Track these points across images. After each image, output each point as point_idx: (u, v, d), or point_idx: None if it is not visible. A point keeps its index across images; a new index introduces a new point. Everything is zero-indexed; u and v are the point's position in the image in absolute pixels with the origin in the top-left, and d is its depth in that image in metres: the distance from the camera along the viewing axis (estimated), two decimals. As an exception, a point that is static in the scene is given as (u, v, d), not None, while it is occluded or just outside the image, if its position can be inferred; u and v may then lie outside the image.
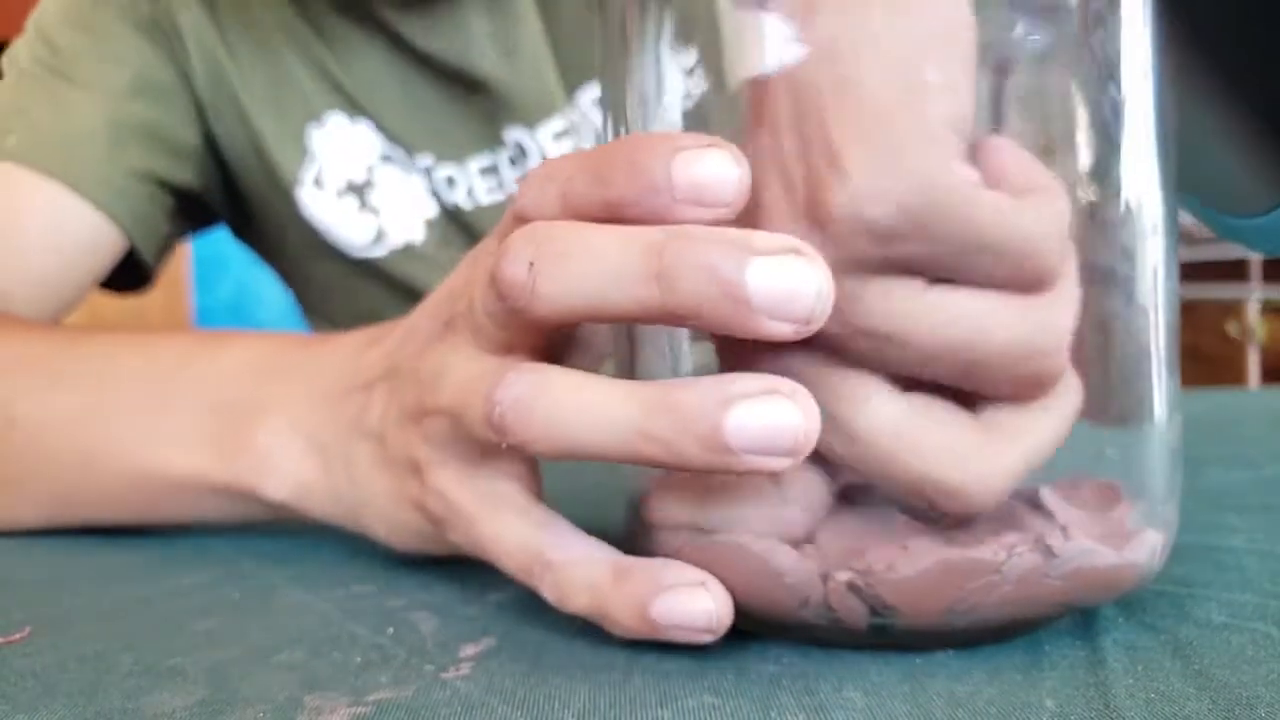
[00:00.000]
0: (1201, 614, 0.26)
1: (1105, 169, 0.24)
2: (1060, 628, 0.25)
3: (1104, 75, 0.24)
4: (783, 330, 0.21)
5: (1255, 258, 2.50)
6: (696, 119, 0.25)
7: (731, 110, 0.25)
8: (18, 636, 0.27)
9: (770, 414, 0.21)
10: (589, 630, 0.26)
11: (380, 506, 0.31)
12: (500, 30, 0.60)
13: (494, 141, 0.62)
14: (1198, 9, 0.22)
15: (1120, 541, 0.24)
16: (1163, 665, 0.23)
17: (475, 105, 0.61)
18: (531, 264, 0.23)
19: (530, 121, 0.61)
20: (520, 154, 0.62)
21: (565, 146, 0.61)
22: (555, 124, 0.61)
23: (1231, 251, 2.36)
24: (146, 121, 0.60)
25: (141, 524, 0.38)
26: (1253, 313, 2.53)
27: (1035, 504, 0.25)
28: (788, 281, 0.21)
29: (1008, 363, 0.22)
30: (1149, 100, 0.24)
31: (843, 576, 0.23)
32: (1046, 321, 0.22)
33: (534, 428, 0.23)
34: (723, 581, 0.24)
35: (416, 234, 0.64)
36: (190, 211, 0.65)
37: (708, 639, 0.24)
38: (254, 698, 0.23)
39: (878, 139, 0.21)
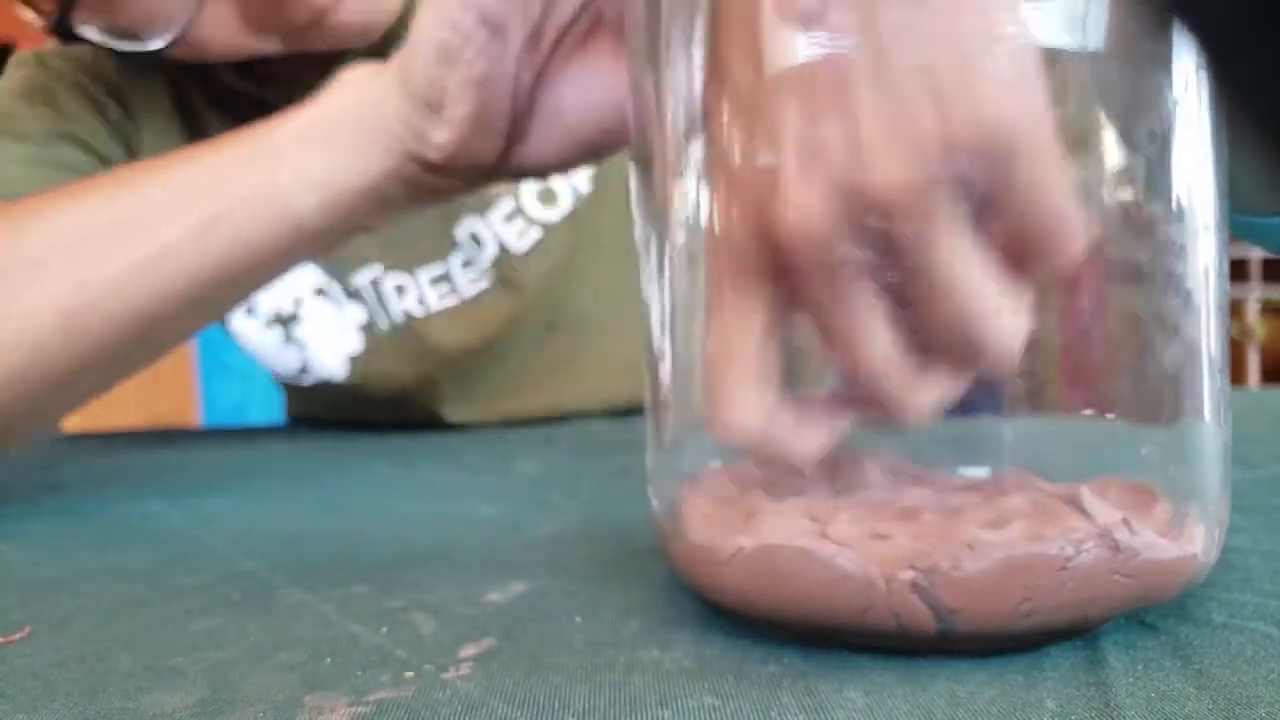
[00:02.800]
0: (1201, 614, 0.26)
1: (1157, 166, 0.24)
2: (1060, 628, 0.25)
3: (1157, 71, 0.24)
4: None
5: (1255, 257, 2.50)
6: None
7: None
8: (18, 636, 0.27)
9: None
10: (589, 630, 0.26)
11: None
12: None
13: (446, 248, 0.65)
14: (1200, 9, 0.22)
15: (1175, 536, 0.24)
16: (1163, 665, 0.23)
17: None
18: None
19: (481, 210, 0.63)
20: (475, 246, 0.64)
21: (516, 226, 0.64)
22: (504, 206, 0.63)
23: (1232, 251, 2.36)
24: (75, 166, 0.60)
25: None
26: (1253, 313, 2.53)
27: (1076, 504, 0.24)
28: None
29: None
30: (1201, 97, 0.24)
31: (906, 576, 0.22)
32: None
33: None
34: (785, 587, 0.23)
35: (338, 372, 0.67)
36: None
37: None
38: (254, 698, 0.23)
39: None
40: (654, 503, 0.28)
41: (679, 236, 0.26)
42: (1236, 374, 2.56)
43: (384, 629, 0.27)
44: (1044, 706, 0.21)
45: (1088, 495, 0.24)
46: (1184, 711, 0.20)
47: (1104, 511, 0.24)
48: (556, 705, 0.22)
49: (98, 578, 0.33)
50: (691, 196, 0.26)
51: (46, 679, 0.24)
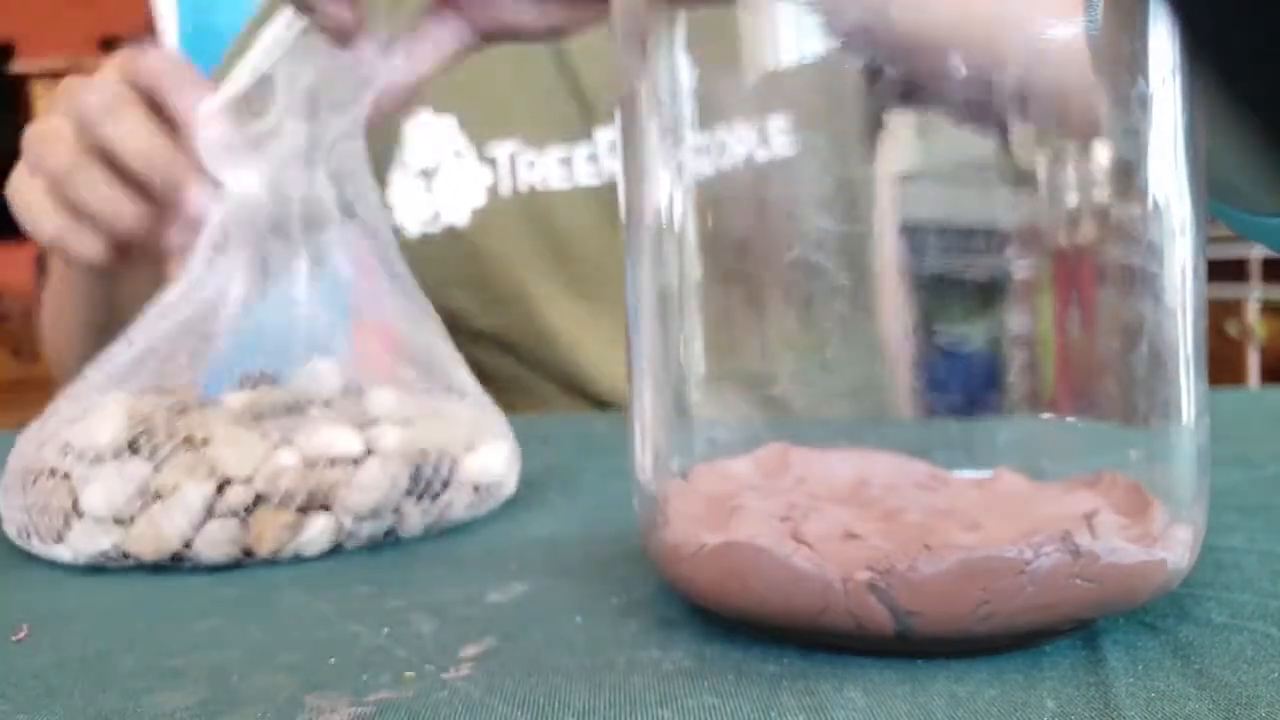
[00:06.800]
0: (1201, 614, 0.26)
1: (1132, 167, 0.24)
2: (1060, 628, 0.25)
3: (1131, 71, 0.23)
4: None
5: (1255, 257, 2.50)
6: (709, 114, 0.25)
7: (743, 104, 0.25)
8: (18, 637, 0.27)
9: None
10: (589, 630, 0.26)
11: None
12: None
13: (583, 136, 0.72)
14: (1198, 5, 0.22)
15: (1151, 541, 0.23)
16: (1163, 665, 0.23)
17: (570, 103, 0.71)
18: None
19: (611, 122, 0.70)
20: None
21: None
22: None
23: (1231, 251, 2.36)
24: None
25: None
26: (1252, 312, 2.53)
27: (1084, 517, 0.24)
28: None
29: None
30: (1177, 98, 0.24)
31: (862, 577, 0.22)
32: None
33: None
34: (745, 585, 0.23)
35: (462, 219, 0.75)
36: None
37: None
38: (254, 698, 0.23)
39: None
40: (635, 500, 0.28)
41: (659, 238, 0.26)
42: (1236, 374, 2.56)
43: (384, 629, 0.27)
44: (1044, 706, 0.21)
45: (1093, 503, 0.24)
46: (1184, 711, 0.20)
47: (1108, 523, 0.23)
48: (556, 705, 0.22)
49: (98, 578, 0.33)
50: (667, 200, 0.26)
51: (46, 679, 0.24)
